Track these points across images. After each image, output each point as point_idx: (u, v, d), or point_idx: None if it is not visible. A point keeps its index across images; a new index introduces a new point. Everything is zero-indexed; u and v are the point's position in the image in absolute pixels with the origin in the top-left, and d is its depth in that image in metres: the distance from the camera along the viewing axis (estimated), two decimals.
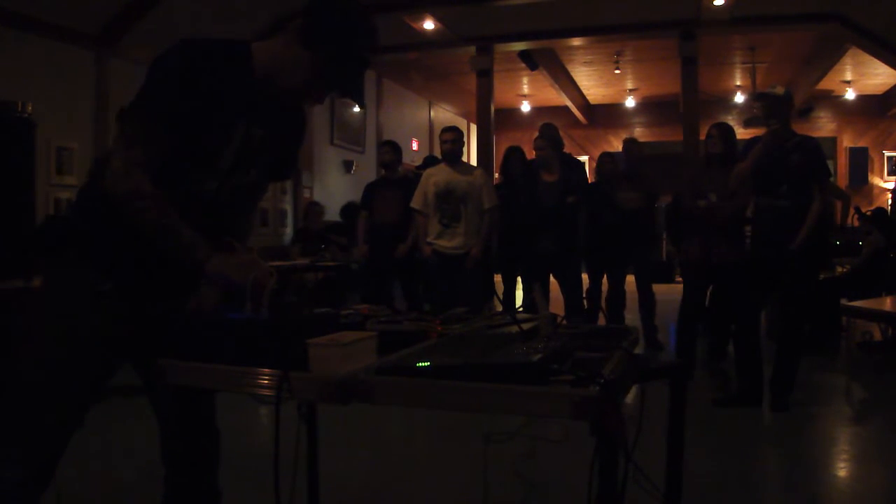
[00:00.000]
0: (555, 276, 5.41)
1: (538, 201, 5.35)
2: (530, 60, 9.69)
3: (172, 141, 1.47)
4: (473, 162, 11.13)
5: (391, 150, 6.13)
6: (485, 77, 9.21)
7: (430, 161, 6.99)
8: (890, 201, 11.69)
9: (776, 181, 3.84)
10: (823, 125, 13.49)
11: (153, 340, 1.47)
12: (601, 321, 5.74)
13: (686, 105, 8.68)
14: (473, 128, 12.60)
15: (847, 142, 13.52)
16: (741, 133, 4.65)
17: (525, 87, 12.75)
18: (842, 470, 3.08)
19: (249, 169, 1.61)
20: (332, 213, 9.30)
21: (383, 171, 6.23)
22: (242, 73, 1.53)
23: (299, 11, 1.54)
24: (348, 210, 8.06)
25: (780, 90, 3.90)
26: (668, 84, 11.35)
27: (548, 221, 5.30)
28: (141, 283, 1.53)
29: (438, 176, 5.17)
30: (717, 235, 4.34)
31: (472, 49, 9.15)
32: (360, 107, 1.85)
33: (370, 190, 6.21)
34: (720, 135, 4.50)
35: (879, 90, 12.82)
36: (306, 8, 1.53)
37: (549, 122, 6.10)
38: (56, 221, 1.58)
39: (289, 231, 9.34)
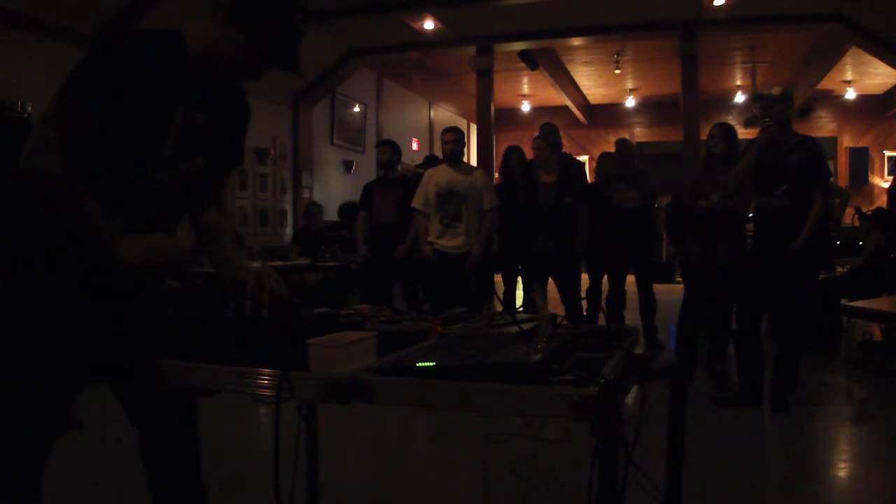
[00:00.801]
0: (553, 277, 5.41)
1: (536, 201, 5.36)
2: (530, 60, 9.69)
3: (107, 130, 1.45)
4: (473, 162, 11.14)
5: (389, 150, 6.12)
6: (485, 77, 9.21)
7: (431, 160, 6.98)
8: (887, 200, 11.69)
9: (777, 181, 3.83)
10: (823, 125, 13.49)
11: (128, 347, 1.46)
12: (601, 321, 5.75)
13: (686, 105, 8.68)
14: (473, 128, 12.60)
15: (847, 142, 13.53)
16: (741, 133, 4.65)
17: (525, 87, 12.75)
18: (842, 470, 3.08)
19: (194, 156, 1.58)
20: (331, 214, 9.31)
21: (382, 171, 6.23)
22: (176, 56, 1.52)
23: None
24: (347, 210, 8.06)
25: (776, 90, 3.90)
26: (668, 84, 11.35)
27: (545, 221, 5.30)
28: (98, 283, 1.50)
29: (439, 176, 5.17)
30: (719, 235, 4.34)
31: (472, 49, 9.16)
32: (299, 76, 1.81)
33: (369, 190, 6.20)
34: (722, 134, 4.50)
35: (879, 90, 12.82)
36: None
37: (549, 122, 6.10)
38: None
39: (288, 231, 9.34)
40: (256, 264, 1.72)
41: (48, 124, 1.44)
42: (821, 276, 5.14)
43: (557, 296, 5.32)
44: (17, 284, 1.50)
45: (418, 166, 7.38)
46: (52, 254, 1.49)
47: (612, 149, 6.44)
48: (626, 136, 12.70)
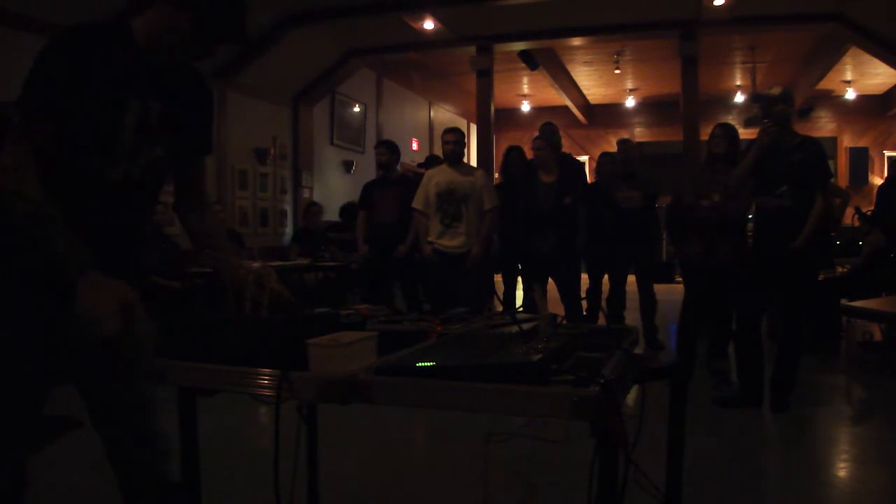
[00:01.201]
0: (553, 277, 5.41)
1: (536, 201, 5.36)
2: (530, 60, 9.69)
3: (64, 129, 1.44)
4: (473, 162, 11.14)
5: (387, 151, 6.12)
6: (485, 77, 9.21)
7: (432, 160, 6.99)
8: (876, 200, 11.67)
9: (778, 182, 3.83)
10: (823, 125, 13.49)
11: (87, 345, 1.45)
12: (601, 321, 5.75)
13: (686, 105, 8.68)
14: (473, 128, 12.60)
15: (847, 142, 13.52)
16: (741, 133, 4.66)
17: (525, 87, 12.75)
18: (842, 470, 3.08)
19: (155, 146, 1.57)
20: (332, 213, 9.31)
21: (382, 172, 6.24)
22: (124, 48, 1.51)
23: None
24: (348, 210, 8.06)
25: (776, 91, 3.90)
26: (668, 84, 11.35)
27: (545, 222, 5.30)
28: (54, 280, 1.48)
29: (440, 176, 5.18)
30: (720, 235, 4.34)
31: (472, 49, 9.15)
32: (244, 43, 1.78)
33: (368, 189, 6.20)
34: (724, 135, 4.50)
35: (879, 90, 12.82)
36: None
37: (548, 122, 6.10)
38: None
39: (288, 231, 9.34)
40: (256, 264, 1.72)
41: (18, 138, 1.43)
42: (821, 276, 5.13)
43: (557, 296, 5.32)
44: None
45: (420, 165, 7.37)
46: (9, 251, 1.48)
47: (612, 149, 6.45)
48: (627, 136, 12.70)
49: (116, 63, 1.49)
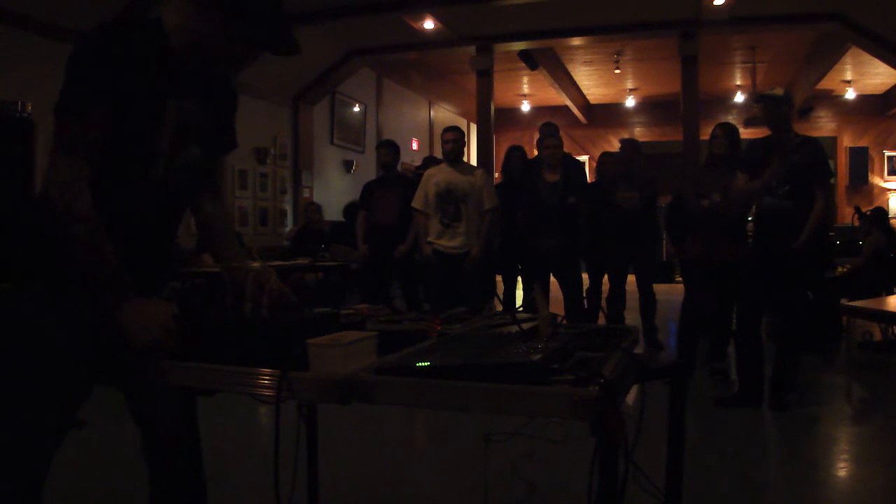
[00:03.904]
0: (555, 276, 5.41)
1: (540, 201, 5.35)
2: (530, 60, 9.69)
3: (107, 132, 1.41)
4: (473, 161, 11.14)
5: (391, 152, 6.12)
6: (485, 77, 9.21)
7: (429, 161, 6.99)
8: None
9: (779, 182, 3.83)
10: (823, 125, 13.48)
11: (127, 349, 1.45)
12: (601, 321, 5.75)
13: (686, 105, 8.68)
14: (473, 127, 12.60)
15: (847, 142, 13.52)
16: (742, 133, 4.66)
17: (525, 86, 12.74)
18: (842, 470, 3.08)
19: (190, 146, 1.56)
20: (331, 213, 9.31)
21: (382, 171, 6.24)
22: (159, 48, 1.48)
23: None
24: (351, 209, 8.06)
25: (779, 91, 3.90)
26: (668, 84, 11.35)
27: (549, 221, 5.30)
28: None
29: (439, 176, 5.17)
30: (720, 235, 4.34)
31: (472, 49, 9.15)
32: (296, 53, 1.75)
33: (369, 189, 6.20)
34: (725, 135, 4.50)
35: (879, 90, 12.82)
36: None
37: (549, 122, 6.10)
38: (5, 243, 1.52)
39: (287, 230, 9.34)
40: (256, 264, 1.72)
41: (70, 148, 1.39)
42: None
43: (557, 295, 5.32)
44: (23, 285, 1.48)
45: (418, 167, 7.36)
46: (58, 256, 1.45)
47: (612, 148, 6.44)
48: (627, 135, 12.70)
49: (152, 64, 1.46)
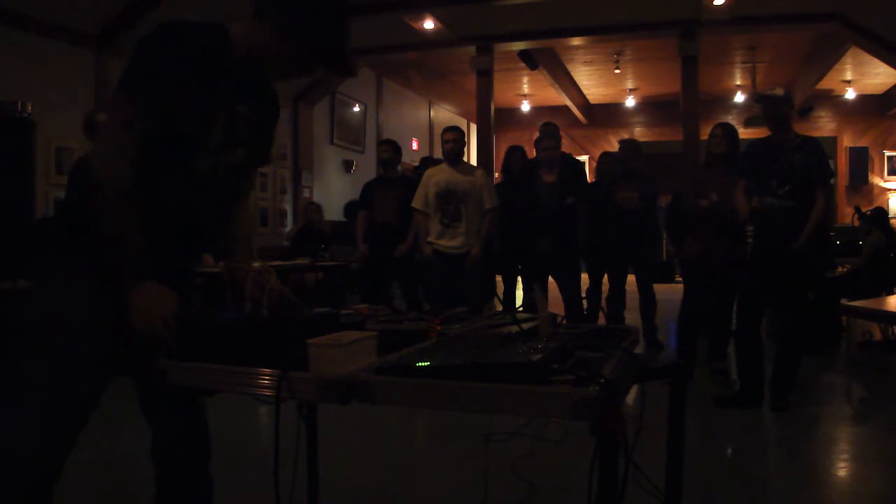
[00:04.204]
0: (553, 277, 5.41)
1: (538, 201, 5.35)
2: (530, 60, 9.69)
3: (163, 121, 1.45)
4: (473, 161, 11.14)
5: (390, 149, 6.12)
6: (485, 77, 9.21)
7: (426, 162, 7.00)
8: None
9: (779, 182, 3.83)
10: (823, 125, 13.49)
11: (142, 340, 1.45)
12: (601, 321, 5.75)
13: (686, 105, 8.68)
14: (473, 127, 12.60)
15: (847, 142, 13.53)
16: (742, 133, 4.67)
17: (525, 86, 12.75)
18: (842, 470, 3.08)
19: (237, 147, 1.61)
20: (331, 213, 9.31)
21: (382, 170, 6.23)
22: (224, 52, 1.53)
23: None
24: (352, 208, 8.05)
25: (779, 91, 3.90)
26: (668, 84, 11.35)
27: (547, 221, 5.30)
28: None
29: (439, 176, 5.17)
30: (719, 235, 4.34)
31: (472, 49, 9.16)
32: (353, 75, 1.85)
33: (369, 189, 6.20)
34: (724, 135, 4.50)
35: (879, 90, 12.82)
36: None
37: (549, 122, 6.10)
38: (51, 221, 1.56)
39: (287, 231, 9.34)
40: (256, 264, 1.72)
41: (124, 125, 1.43)
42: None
43: (557, 295, 5.32)
44: (52, 262, 1.50)
45: (416, 168, 7.36)
46: (94, 236, 1.47)
47: (612, 148, 6.44)
48: (627, 135, 12.70)
49: (217, 65, 1.51)
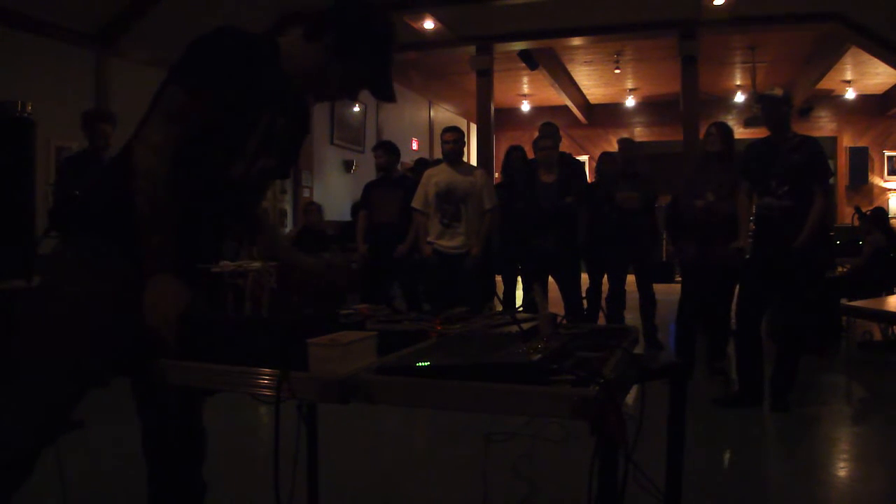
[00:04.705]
0: (553, 277, 5.41)
1: (537, 201, 5.35)
2: (530, 60, 9.69)
3: (208, 120, 1.49)
4: (473, 161, 11.14)
5: (384, 153, 6.09)
6: (485, 77, 9.21)
7: (420, 164, 7.02)
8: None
9: (779, 182, 3.83)
10: (823, 125, 13.48)
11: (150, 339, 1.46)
12: (601, 321, 5.75)
13: (686, 105, 8.68)
14: (473, 127, 12.60)
15: (847, 142, 13.52)
16: (741, 133, 4.67)
17: (525, 86, 12.74)
18: (842, 470, 3.08)
19: (270, 155, 1.66)
20: (331, 213, 9.30)
21: (381, 174, 6.23)
22: (272, 63, 1.58)
23: (319, 17, 1.59)
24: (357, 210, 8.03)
25: (779, 91, 3.90)
26: (668, 84, 11.35)
27: (546, 221, 5.30)
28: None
29: (439, 176, 5.17)
30: (715, 235, 4.34)
31: (472, 49, 9.15)
32: (391, 101, 1.92)
33: (369, 189, 6.20)
34: (719, 133, 4.51)
35: (879, 90, 12.82)
36: (330, 19, 1.58)
37: (549, 122, 6.10)
38: (74, 202, 1.58)
39: (287, 231, 9.34)
40: (256, 264, 1.73)
41: (173, 117, 1.46)
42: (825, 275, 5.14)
43: (557, 295, 5.32)
44: (80, 247, 1.52)
45: (409, 170, 7.34)
46: (117, 227, 1.49)
47: (612, 148, 6.43)
48: (627, 135, 12.68)
49: (265, 76, 1.56)
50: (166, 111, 1.47)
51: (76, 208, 1.58)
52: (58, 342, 1.42)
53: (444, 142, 5.26)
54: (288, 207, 9.54)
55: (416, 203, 5.27)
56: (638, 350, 1.55)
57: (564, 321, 1.62)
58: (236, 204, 1.68)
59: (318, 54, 1.57)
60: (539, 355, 1.18)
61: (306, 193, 9.66)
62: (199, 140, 1.50)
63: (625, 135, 12.14)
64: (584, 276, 5.86)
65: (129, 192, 1.43)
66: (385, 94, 1.66)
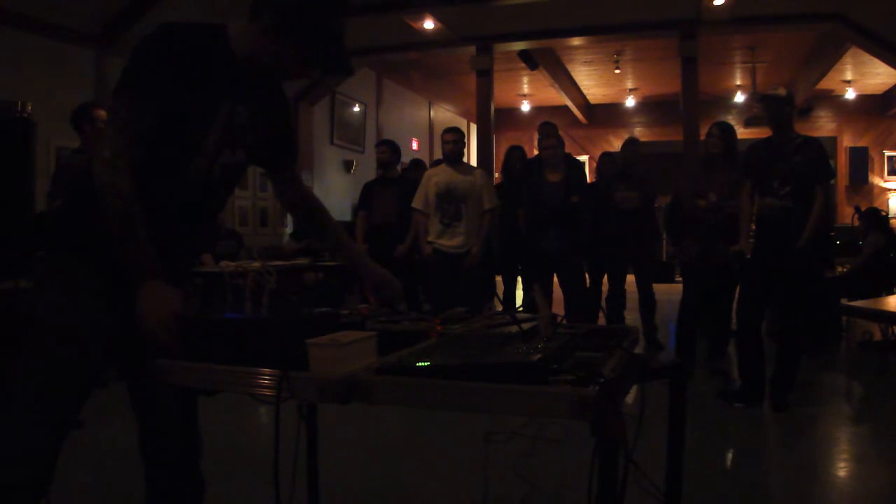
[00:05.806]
0: (558, 276, 5.41)
1: (541, 201, 5.35)
2: (530, 60, 9.69)
3: (159, 121, 1.47)
4: (473, 162, 11.14)
5: (388, 150, 6.11)
6: (485, 77, 9.21)
7: (416, 165, 7.02)
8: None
9: (781, 182, 3.84)
10: (823, 125, 13.49)
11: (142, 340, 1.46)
12: (601, 321, 5.75)
13: (686, 105, 8.68)
14: (473, 127, 12.60)
15: (847, 142, 13.53)
16: (741, 133, 4.67)
17: (525, 86, 12.75)
18: (842, 470, 3.08)
19: (236, 149, 1.61)
20: (331, 213, 9.27)
21: (381, 171, 6.23)
22: (221, 52, 1.54)
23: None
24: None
25: (782, 91, 3.90)
26: (668, 84, 11.35)
27: (552, 221, 5.30)
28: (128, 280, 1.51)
29: (439, 176, 5.18)
30: (717, 235, 4.34)
31: (472, 49, 9.15)
32: (348, 74, 1.87)
33: (368, 189, 6.20)
34: (721, 134, 4.51)
35: (879, 90, 12.82)
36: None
37: (548, 122, 6.09)
38: (46, 219, 1.60)
39: (287, 231, 9.33)
40: (256, 264, 1.73)
41: (119, 129, 1.45)
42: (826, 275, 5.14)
43: (558, 295, 5.32)
44: (55, 263, 1.54)
45: (404, 171, 7.34)
46: (89, 240, 1.50)
47: (612, 148, 6.43)
48: (627, 135, 12.67)
49: (214, 67, 1.52)
50: (113, 124, 1.46)
51: (54, 223, 1.59)
52: (42, 340, 1.45)
53: (444, 142, 5.27)
54: None
55: (417, 203, 5.27)
56: (638, 350, 1.55)
57: (564, 321, 1.62)
58: (205, 200, 1.64)
59: (262, 36, 1.52)
60: (539, 355, 1.18)
61: None
62: (156, 143, 1.48)
63: (625, 135, 12.15)
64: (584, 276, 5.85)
65: (98, 210, 1.43)
66: (336, 68, 1.60)
